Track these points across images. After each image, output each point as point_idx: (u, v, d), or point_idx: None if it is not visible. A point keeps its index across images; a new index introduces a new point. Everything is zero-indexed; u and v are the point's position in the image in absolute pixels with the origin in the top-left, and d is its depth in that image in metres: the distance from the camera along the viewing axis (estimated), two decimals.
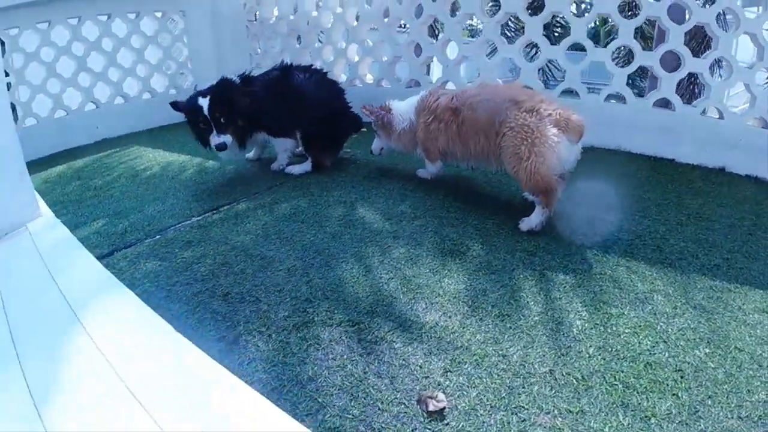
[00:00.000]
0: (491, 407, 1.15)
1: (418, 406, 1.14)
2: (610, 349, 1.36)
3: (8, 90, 3.79)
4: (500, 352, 1.33)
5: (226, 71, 2.89)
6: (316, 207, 2.35)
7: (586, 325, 1.46)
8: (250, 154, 3.17)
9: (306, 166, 2.85)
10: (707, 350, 1.37)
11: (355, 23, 3.96)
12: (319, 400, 1.19)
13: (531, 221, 2.03)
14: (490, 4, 3.56)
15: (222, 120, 2.50)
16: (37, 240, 1.22)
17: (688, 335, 1.43)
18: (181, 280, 1.78)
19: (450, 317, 1.48)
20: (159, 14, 4.46)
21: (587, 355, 1.33)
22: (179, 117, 2.77)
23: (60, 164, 3.44)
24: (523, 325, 1.46)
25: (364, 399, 1.18)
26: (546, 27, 3.26)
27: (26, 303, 0.96)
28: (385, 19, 3.82)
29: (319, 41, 4.30)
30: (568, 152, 2.00)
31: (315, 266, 1.81)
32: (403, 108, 2.56)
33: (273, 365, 1.32)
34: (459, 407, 1.15)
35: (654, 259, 1.84)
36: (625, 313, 1.53)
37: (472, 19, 3.64)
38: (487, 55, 3.53)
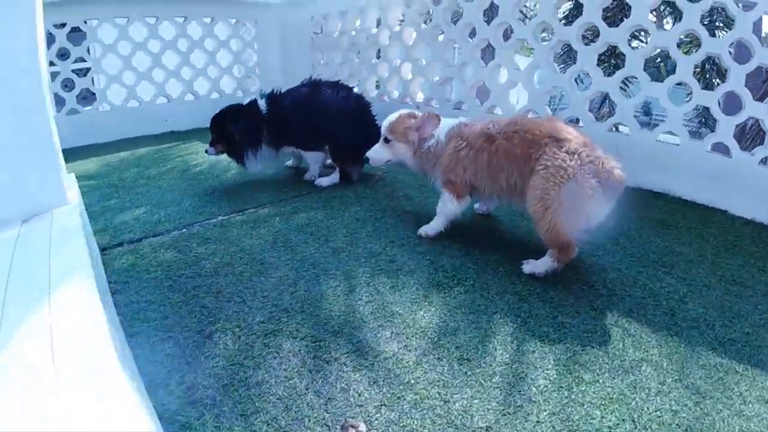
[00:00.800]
0: None
1: None
2: (564, 418, 1.29)
3: (86, 75, 4.34)
4: (444, 397, 1.33)
5: (291, 78, 3.17)
6: (329, 220, 2.46)
7: (549, 386, 1.40)
8: (289, 162, 3.38)
9: (334, 177, 2.98)
10: None
11: (411, 42, 4.05)
12: (257, 404, 1.27)
13: (536, 266, 1.94)
14: (544, 31, 3.47)
15: (214, 136, 2.95)
16: (54, 226, 1.44)
17: (664, 418, 1.31)
18: (187, 273, 1.96)
19: (409, 351, 1.50)
20: (233, 21, 4.88)
21: (535, 420, 1.28)
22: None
23: (125, 150, 3.88)
24: (480, 373, 1.43)
25: (295, 413, 1.25)
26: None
27: (25, 273, 1.16)
28: (440, 38, 3.87)
29: (377, 57, 4.45)
30: (600, 210, 1.84)
31: (305, 278, 1.91)
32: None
33: (232, 364, 1.43)
34: None
35: (660, 324, 1.71)
36: (600, 381, 1.43)
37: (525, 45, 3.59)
38: (539, 83, 3.45)
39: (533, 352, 1.54)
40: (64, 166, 1.82)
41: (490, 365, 1.47)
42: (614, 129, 3.11)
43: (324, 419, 1.23)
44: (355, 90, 3.23)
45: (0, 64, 1.39)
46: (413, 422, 1.23)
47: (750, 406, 1.36)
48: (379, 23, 4.35)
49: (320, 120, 2.82)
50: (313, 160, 3.01)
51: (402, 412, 1.26)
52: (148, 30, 4.46)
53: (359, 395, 1.31)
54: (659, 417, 1.31)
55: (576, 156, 1.83)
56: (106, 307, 1.29)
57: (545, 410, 1.31)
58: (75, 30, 4.11)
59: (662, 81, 2.81)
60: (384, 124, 2.38)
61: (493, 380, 1.41)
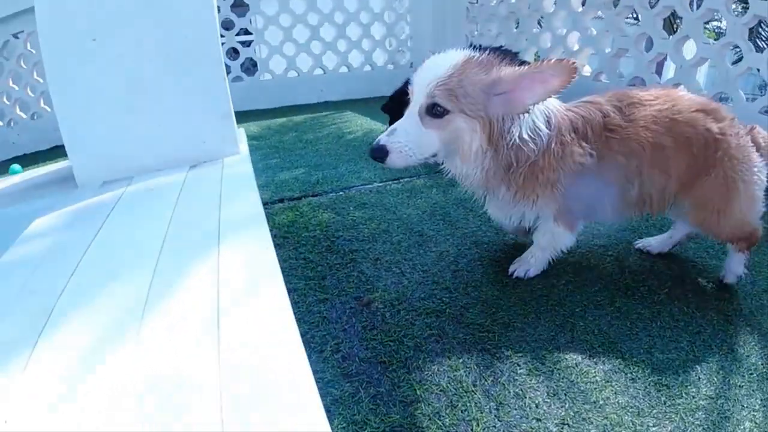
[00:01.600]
0: None
1: None
2: None
3: (248, 46, 4.59)
4: (639, 428, 1.04)
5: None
6: None
7: (755, 430, 1.04)
8: None
9: None
10: None
11: (580, 9, 3.50)
12: (418, 392, 1.13)
13: (735, 270, 1.49)
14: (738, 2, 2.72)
15: None
16: (225, 173, 1.45)
17: None
18: (345, 236, 1.91)
19: (595, 364, 1.22)
20: None
21: None
22: (390, 91, 3.02)
23: (283, 116, 4.06)
24: (682, 405, 1.10)
25: (462, 414, 1.07)
26: None
27: (191, 217, 1.15)
28: (614, 7, 3.26)
29: (539, 25, 3.96)
30: None
31: (467, 257, 1.71)
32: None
33: (391, 340, 1.31)
34: None
35: None
36: None
37: (719, 20, 2.85)
38: (732, 63, 2.72)
39: (740, 386, 1.16)
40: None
41: (693, 397, 1.13)
42: None
43: (495, 427, 1.04)
44: (519, 56, 2.87)
45: (187, 28, 1.42)
46: None
47: None
48: None
49: None
50: None
51: None
52: (307, 3, 4.56)
53: (536, 406, 1.09)
54: None
55: (738, 128, 1.37)
56: None
57: None
58: (239, 3, 4.36)
59: None
60: (427, 76, 1.22)
61: (696, 415, 1.08)
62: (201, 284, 0.84)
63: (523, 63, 2.69)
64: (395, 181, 2.45)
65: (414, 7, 4.86)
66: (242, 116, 4.05)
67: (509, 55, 2.68)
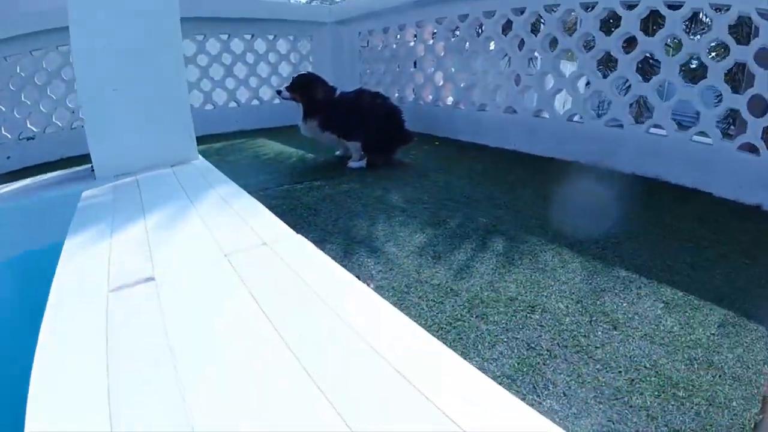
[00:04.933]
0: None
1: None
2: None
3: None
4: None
5: (341, 86, 4.46)
6: (363, 189, 3.63)
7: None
8: (338, 152, 4.62)
9: (362, 162, 4.18)
10: None
11: (442, 53, 5.22)
12: None
13: None
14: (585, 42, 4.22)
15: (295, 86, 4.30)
16: (199, 168, 2.70)
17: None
18: None
19: (401, 250, 2.61)
20: (291, 37, 6.30)
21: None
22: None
23: (204, 144, 5.24)
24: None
25: None
26: None
27: (197, 187, 2.39)
28: (466, 45, 4.98)
29: (414, 66, 5.65)
30: None
31: (343, 217, 3.08)
32: None
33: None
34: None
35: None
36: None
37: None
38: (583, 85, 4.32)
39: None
40: None
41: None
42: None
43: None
44: (395, 97, 4.42)
45: (164, 68, 2.71)
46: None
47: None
48: (415, 38, 5.56)
49: (357, 118, 4.05)
50: (354, 148, 4.23)
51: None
52: (221, 45, 5.94)
53: (360, 266, 2.43)
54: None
55: None
56: None
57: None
58: None
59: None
60: None
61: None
62: (191, 225, 2.09)
63: (392, 104, 4.27)
64: (299, 183, 3.81)
65: (315, 48, 6.42)
66: None
67: (381, 97, 4.22)
